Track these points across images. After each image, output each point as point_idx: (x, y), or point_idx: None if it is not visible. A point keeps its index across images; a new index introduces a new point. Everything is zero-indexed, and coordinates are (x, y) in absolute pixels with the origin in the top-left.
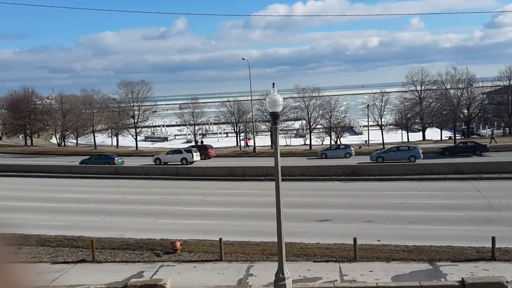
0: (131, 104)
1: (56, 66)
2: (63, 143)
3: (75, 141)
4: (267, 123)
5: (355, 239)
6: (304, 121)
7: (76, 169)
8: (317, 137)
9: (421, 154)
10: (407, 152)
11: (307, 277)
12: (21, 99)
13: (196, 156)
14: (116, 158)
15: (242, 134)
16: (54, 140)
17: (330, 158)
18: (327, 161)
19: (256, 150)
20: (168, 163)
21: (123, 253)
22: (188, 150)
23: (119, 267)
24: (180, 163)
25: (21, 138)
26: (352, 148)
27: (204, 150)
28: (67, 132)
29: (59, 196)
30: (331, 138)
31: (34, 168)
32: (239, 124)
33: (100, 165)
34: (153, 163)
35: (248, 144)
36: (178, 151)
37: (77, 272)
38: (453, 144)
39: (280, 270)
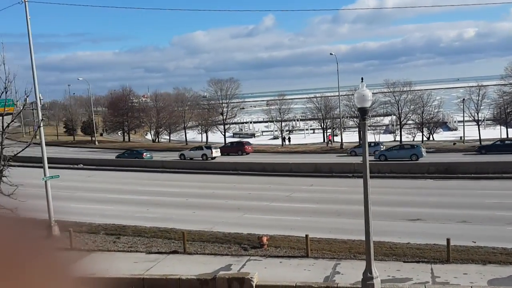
0: (220, 101)
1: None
2: (157, 139)
3: (168, 137)
4: (355, 119)
5: (448, 240)
6: (394, 117)
7: (169, 164)
8: (408, 133)
9: (423, 153)
10: (409, 151)
11: (396, 278)
12: (120, 98)
13: (216, 153)
14: (144, 154)
15: (329, 130)
16: (149, 136)
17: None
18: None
19: (344, 147)
20: (193, 159)
21: (212, 246)
22: (208, 147)
23: (208, 259)
24: (201, 158)
25: (119, 134)
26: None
27: (241, 147)
28: (161, 129)
29: (153, 190)
30: (423, 134)
31: (132, 162)
32: (326, 120)
33: (132, 159)
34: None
35: (331, 140)
36: (199, 147)
37: (170, 262)
38: None
39: (368, 269)
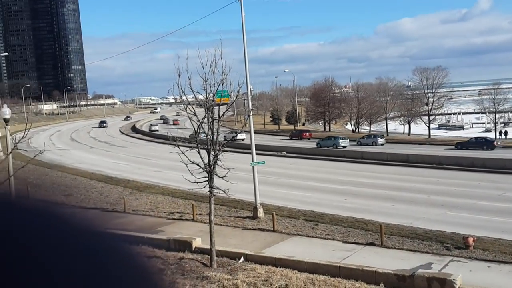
0: (426, 91)
1: (354, 55)
2: (357, 130)
3: (368, 128)
4: None
5: None
6: None
7: (368, 155)
8: None
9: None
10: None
11: None
12: (322, 88)
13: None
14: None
15: None
16: (349, 127)
17: None
18: None
19: None
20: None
21: (411, 241)
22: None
23: (407, 255)
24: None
25: (320, 124)
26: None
27: (300, 133)
28: (361, 119)
29: (351, 180)
30: None
31: (330, 152)
32: None
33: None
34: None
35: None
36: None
37: (366, 254)
38: None
39: None
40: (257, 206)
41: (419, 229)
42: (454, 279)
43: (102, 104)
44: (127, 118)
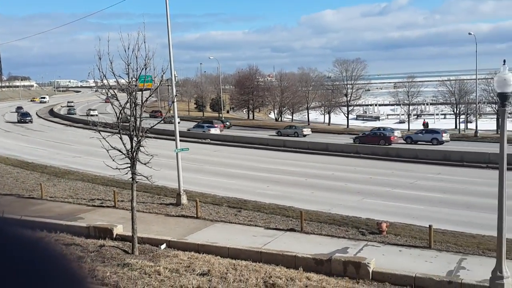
0: (345, 82)
1: (278, 45)
2: (279, 118)
3: (290, 117)
4: (494, 105)
5: None
6: None
7: (290, 143)
8: None
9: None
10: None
11: None
12: (247, 77)
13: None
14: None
15: (462, 116)
16: (272, 115)
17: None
18: None
19: (478, 134)
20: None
21: (329, 227)
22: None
23: (325, 240)
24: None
25: (244, 112)
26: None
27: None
28: (284, 108)
29: (274, 168)
30: None
31: (254, 140)
32: (460, 106)
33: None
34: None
35: (425, 125)
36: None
37: (287, 239)
38: None
39: (498, 268)
40: (181, 193)
41: (336, 215)
42: (368, 263)
43: (17, 86)
44: (19, 110)
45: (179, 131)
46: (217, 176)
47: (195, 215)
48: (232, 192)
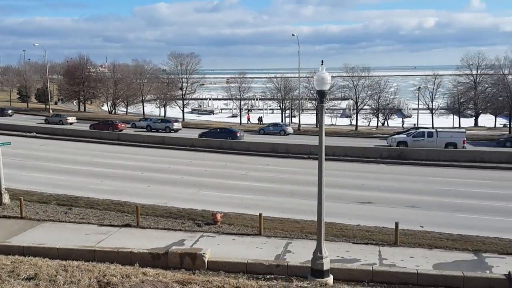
0: (180, 76)
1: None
2: (113, 111)
3: (125, 110)
4: (314, 101)
5: (397, 224)
6: (351, 101)
7: (125, 136)
8: (363, 118)
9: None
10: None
11: (345, 258)
12: (77, 66)
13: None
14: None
15: (287, 111)
16: (105, 108)
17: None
18: (374, 142)
19: (301, 128)
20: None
21: (166, 221)
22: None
23: (162, 234)
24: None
25: (75, 104)
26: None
27: (112, 125)
28: (118, 100)
29: (108, 162)
30: (378, 120)
31: (86, 133)
32: (285, 101)
33: (158, 130)
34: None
35: (249, 120)
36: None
37: (122, 236)
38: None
39: (318, 249)
40: (2, 192)
41: (173, 208)
42: (203, 253)
43: None
44: None
45: (10, 124)
46: (44, 172)
47: (20, 215)
48: (62, 188)
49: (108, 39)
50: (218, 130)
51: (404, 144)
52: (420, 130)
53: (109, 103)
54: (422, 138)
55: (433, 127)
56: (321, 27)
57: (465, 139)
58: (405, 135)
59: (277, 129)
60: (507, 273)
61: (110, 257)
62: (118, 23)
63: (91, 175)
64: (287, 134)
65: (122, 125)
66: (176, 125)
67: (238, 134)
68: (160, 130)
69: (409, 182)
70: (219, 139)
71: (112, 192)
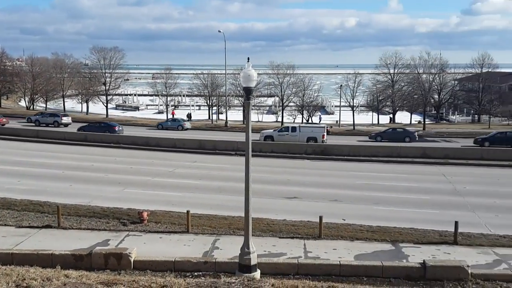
0: (103, 71)
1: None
2: (32, 107)
3: (44, 105)
4: (240, 98)
5: (320, 217)
6: (277, 98)
7: (44, 133)
8: (289, 115)
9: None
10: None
11: (272, 252)
12: None
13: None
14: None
15: (214, 108)
16: (23, 103)
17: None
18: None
19: (228, 125)
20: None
21: (89, 220)
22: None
23: (85, 235)
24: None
25: None
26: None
27: None
28: (37, 96)
29: (26, 160)
30: (303, 116)
31: (5, 130)
32: (212, 98)
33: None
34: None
35: (174, 116)
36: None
37: (42, 237)
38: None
39: (246, 245)
40: None
41: (97, 207)
42: (129, 253)
43: None
44: None
45: None
46: None
47: None
48: None
49: (26, 31)
50: (97, 124)
51: (271, 139)
52: (285, 125)
53: (27, 99)
54: (287, 132)
55: (302, 123)
56: (247, 24)
57: (325, 133)
58: (272, 130)
59: (175, 124)
60: (422, 261)
61: (30, 259)
62: (37, 14)
63: (7, 174)
64: (185, 129)
65: (4, 120)
66: (65, 119)
67: (116, 128)
68: (50, 125)
69: (332, 177)
70: (98, 133)
71: (30, 192)
